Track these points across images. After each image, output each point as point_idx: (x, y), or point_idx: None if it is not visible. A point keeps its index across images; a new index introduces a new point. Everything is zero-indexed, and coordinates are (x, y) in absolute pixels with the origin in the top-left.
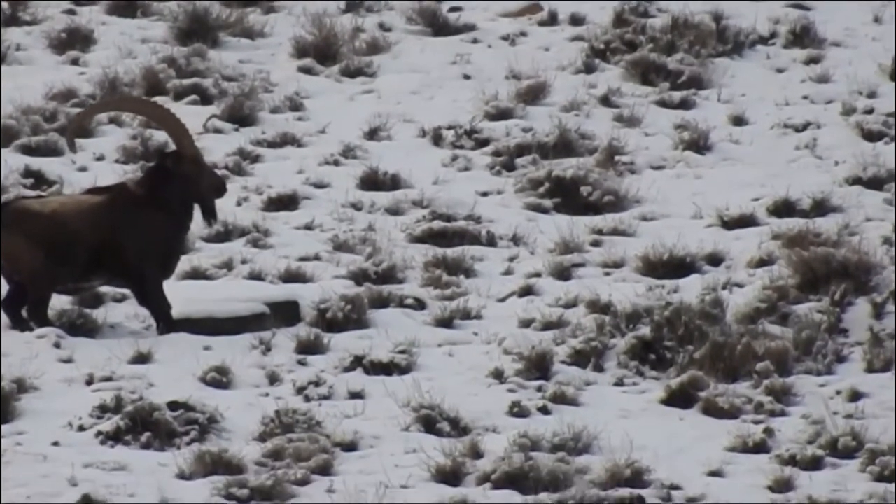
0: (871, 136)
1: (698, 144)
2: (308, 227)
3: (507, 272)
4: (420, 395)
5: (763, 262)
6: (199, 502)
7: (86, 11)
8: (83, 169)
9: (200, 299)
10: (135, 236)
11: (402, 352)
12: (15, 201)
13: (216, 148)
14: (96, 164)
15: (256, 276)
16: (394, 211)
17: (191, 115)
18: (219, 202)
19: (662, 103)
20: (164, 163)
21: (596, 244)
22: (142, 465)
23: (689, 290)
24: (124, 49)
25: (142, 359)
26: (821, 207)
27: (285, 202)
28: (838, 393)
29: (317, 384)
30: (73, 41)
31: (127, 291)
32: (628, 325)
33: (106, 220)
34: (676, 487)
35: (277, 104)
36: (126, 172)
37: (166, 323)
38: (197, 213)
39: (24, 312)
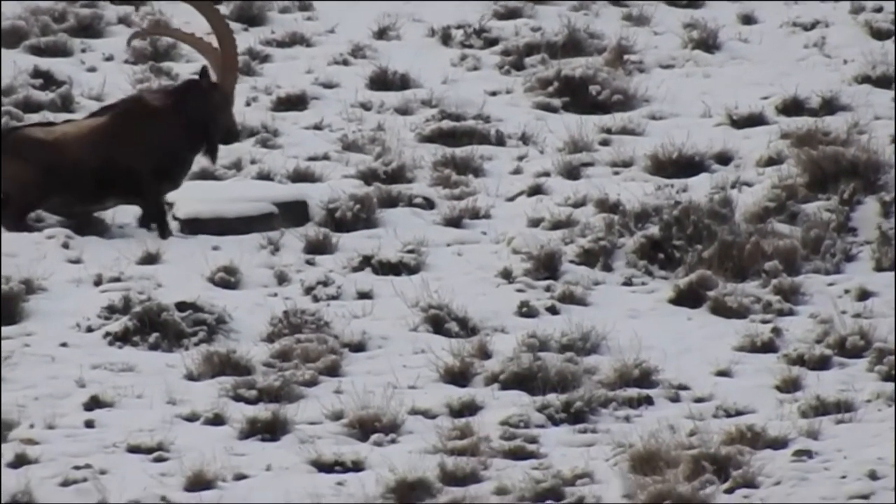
0: (879, 34)
1: (707, 43)
2: (317, 127)
3: (516, 171)
4: (428, 294)
5: (772, 161)
6: (206, 403)
7: None
8: (92, 69)
9: (209, 199)
10: (146, 145)
11: (411, 251)
12: (20, 128)
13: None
14: (106, 65)
15: (265, 176)
16: (403, 111)
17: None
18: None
19: (671, 2)
20: (199, 82)
21: (605, 143)
22: (150, 366)
23: (698, 189)
24: None
25: (150, 259)
26: (829, 106)
27: (294, 102)
28: (846, 292)
29: (325, 284)
30: None
31: None
32: (637, 225)
33: (108, 139)
34: (684, 387)
35: (286, 4)
36: (135, 73)
37: (166, 232)
38: None
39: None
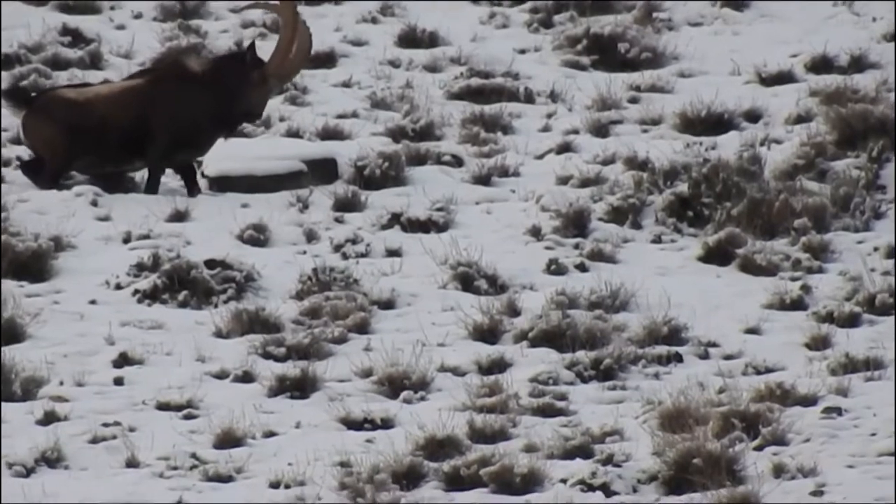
0: None
1: (736, 1)
2: (346, 85)
3: (545, 129)
4: (457, 252)
5: (801, 119)
6: (235, 360)
7: None
8: (121, 27)
9: (238, 157)
10: (174, 116)
11: (440, 209)
12: (53, 89)
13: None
14: (134, 23)
15: (294, 134)
16: (432, 68)
17: None
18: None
19: None
20: (243, 54)
21: (633, 101)
22: (179, 324)
23: (727, 146)
24: None
25: (179, 217)
26: (858, 64)
27: (323, 60)
28: (875, 249)
29: (354, 242)
30: None
31: None
32: (666, 182)
33: (140, 101)
34: (714, 344)
35: None
36: (164, 30)
37: (194, 190)
38: None
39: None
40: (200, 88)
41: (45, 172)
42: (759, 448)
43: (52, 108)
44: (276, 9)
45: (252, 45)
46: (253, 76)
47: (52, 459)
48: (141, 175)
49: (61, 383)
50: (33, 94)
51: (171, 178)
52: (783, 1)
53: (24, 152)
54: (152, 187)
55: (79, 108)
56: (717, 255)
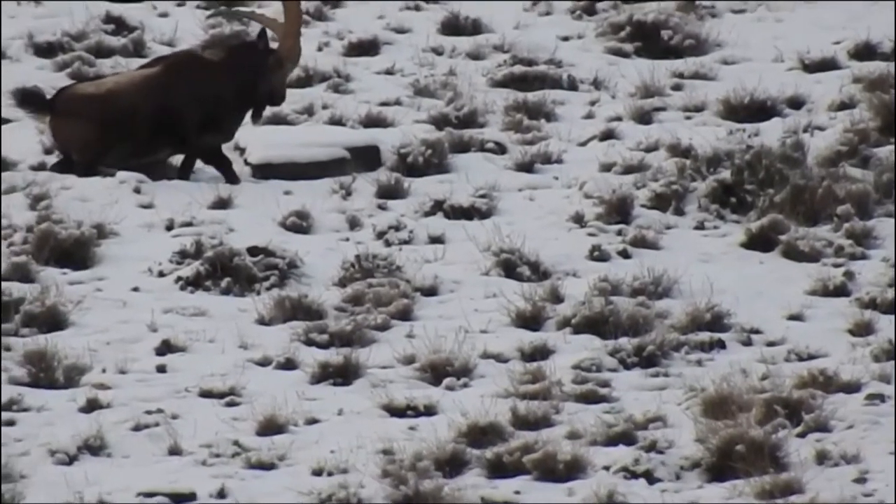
0: None
1: None
2: (389, 72)
3: (588, 116)
4: (500, 239)
5: (844, 106)
6: (278, 347)
7: None
8: (164, 14)
9: (281, 144)
10: (196, 99)
11: (483, 196)
12: (69, 87)
13: None
14: (177, 10)
15: (337, 121)
16: (475, 56)
17: None
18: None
19: None
20: (256, 43)
21: (677, 88)
22: (221, 311)
23: (770, 133)
24: None
25: (222, 204)
26: None
27: (366, 47)
28: None
29: (397, 229)
30: None
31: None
32: (709, 169)
33: (161, 88)
34: (756, 331)
35: None
36: (207, 17)
37: (232, 177)
38: None
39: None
40: (219, 72)
41: (77, 165)
42: (801, 435)
43: (78, 106)
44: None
45: (263, 32)
46: (268, 61)
47: (94, 447)
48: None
49: (104, 371)
50: (50, 98)
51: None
52: None
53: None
54: (185, 173)
55: (102, 101)
56: (759, 242)
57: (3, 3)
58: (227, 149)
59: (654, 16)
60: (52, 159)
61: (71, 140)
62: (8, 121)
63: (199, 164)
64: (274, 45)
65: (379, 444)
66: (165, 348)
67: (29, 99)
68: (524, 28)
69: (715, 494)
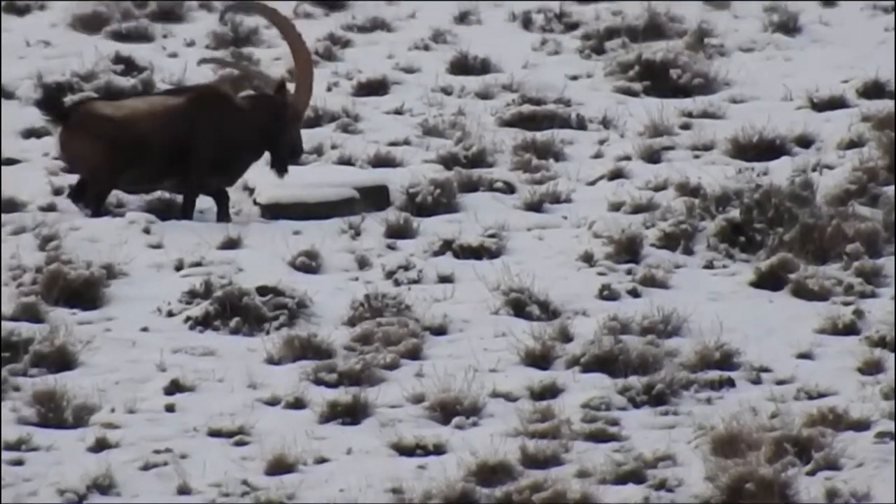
0: None
1: (788, 26)
2: (398, 112)
3: (597, 155)
4: (509, 278)
5: (853, 144)
6: (287, 387)
7: None
8: (173, 55)
9: (290, 184)
10: (216, 138)
11: (492, 235)
12: (88, 102)
13: (307, 33)
14: (187, 50)
15: (346, 161)
16: (483, 95)
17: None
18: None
19: None
20: (276, 94)
21: (685, 127)
22: (231, 350)
23: (779, 172)
24: None
25: (231, 244)
26: None
27: (375, 87)
28: None
29: (406, 268)
30: None
31: None
32: (718, 208)
33: (182, 120)
34: (766, 370)
35: None
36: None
37: (225, 216)
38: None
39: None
40: (243, 120)
41: (90, 195)
42: (811, 473)
43: (91, 124)
44: (292, 47)
45: (283, 85)
46: (287, 114)
47: (103, 486)
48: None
49: (113, 410)
50: (68, 107)
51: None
52: (835, 26)
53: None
54: (187, 211)
55: (117, 124)
56: (769, 281)
57: (12, 44)
58: (235, 189)
59: (663, 55)
60: (61, 200)
61: (79, 157)
62: (16, 161)
63: (209, 203)
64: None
65: (388, 484)
66: (174, 388)
67: (48, 103)
68: (533, 67)
69: None
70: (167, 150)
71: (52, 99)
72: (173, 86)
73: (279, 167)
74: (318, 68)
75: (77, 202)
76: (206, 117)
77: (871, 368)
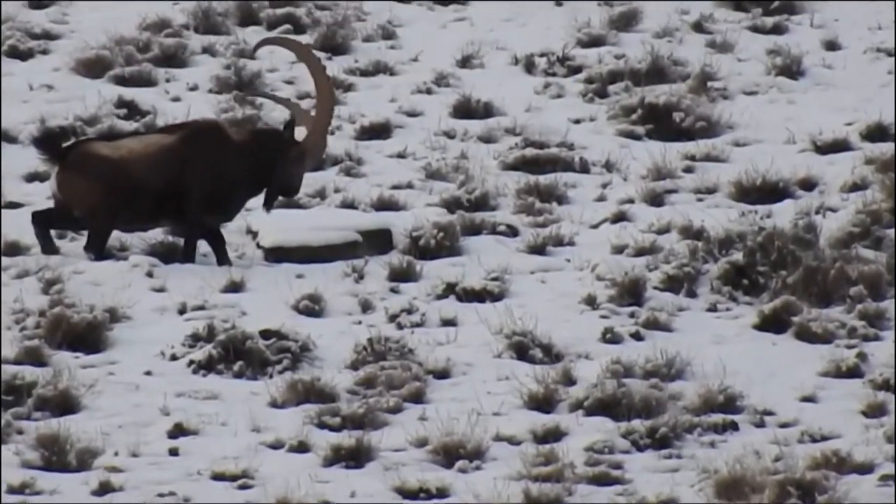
0: None
1: (791, 70)
2: (401, 156)
3: (600, 199)
4: (512, 321)
5: (856, 187)
6: (291, 430)
7: None
8: (176, 99)
9: (294, 228)
10: (209, 175)
11: (495, 279)
12: (85, 142)
13: (309, 77)
14: (190, 95)
15: (349, 205)
16: (486, 139)
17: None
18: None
19: (755, 29)
20: (283, 131)
21: (688, 170)
22: (234, 394)
23: (782, 215)
24: None
25: (234, 287)
26: None
27: (378, 130)
28: None
29: (409, 312)
30: None
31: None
32: (721, 251)
33: (176, 158)
34: (769, 412)
35: (370, 33)
36: (219, 102)
37: (223, 259)
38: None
39: (52, 233)
40: (238, 155)
41: (90, 238)
42: None
43: (87, 165)
44: (318, 87)
45: (292, 122)
46: (291, 152)
47: None
48: (197, 246)
49: (116, 454)
50: (64, 147)
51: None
52: (838, 70)
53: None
54: (189, 254)
55: (114, 166)
56: (772, 323)
57: (15, 88)
58: (238, 232)
59: (666, 98)
60: (65, 244)
61: (75, 197)
62: (19, 205)
63: (207, 246)
64: (300, 136)
65: None
66: (178, 431)
67: (45, 143)
68: (536, 111)
69: None
70: (163, 189)
71: (48, 139)
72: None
73: (267, 201)
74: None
75: (38, 228)
76: (200, 154)
77: (875, 411)
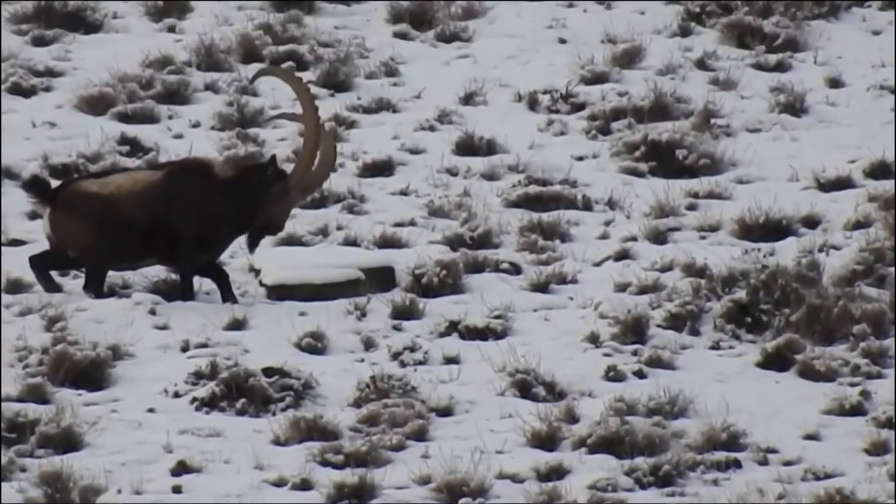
0: None
1: (794, 107)
2: (403, 193)
3: (603, 236)
4: (516, 359)
5: (859, 225)
6: (294, 468)
7: None
8: (179, 136)
9: (296, 265)
10: (194, 213)
11: (498, 317)
12: (73, 182)
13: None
14: (192, 132)
15: (352, 242)
16: (489, 176)
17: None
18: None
19: (758, 66)
20: (265, 167)
21: (692, 207)
22: (237, 432)
23: (786, 252)
24: (220, 16)
25: (237, 325)
26: None
27: (381, 168)
28: None
29: (412, 349)
30: (170, 8)
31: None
32: (724, 289)
33: (162, 194)
34: (773, 451)
35: (373, 70)
36: (221, 139)
37: (229, 295)
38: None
39: (53, 273)
40: (222, 192)
41: (88, 277)
42: None
43: (78, 203)
44: (301, 121)
45: (273, 158)
46: (275, 189)
47: None
48: (199, 283)
49: (119, 492)
50: (54, 188)
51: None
52: (841, 107)
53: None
54: (186, 292)
55: (102, 201)
56: (775, 361)
57: (18, 125)
58: (240, 270)
59: (669, 135)
60: (68, 281)
61: (67, 237)
62: (21, 242)
63: (211, 284)
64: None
65: None
66: (181, 469)
67: (34, 187)
68: (539, 148)
69: None
70: (151, 226)
71: (37, 181)
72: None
73: (250, 240)
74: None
75: (37, 270)
76: (184, 191)
77: (878, 450)
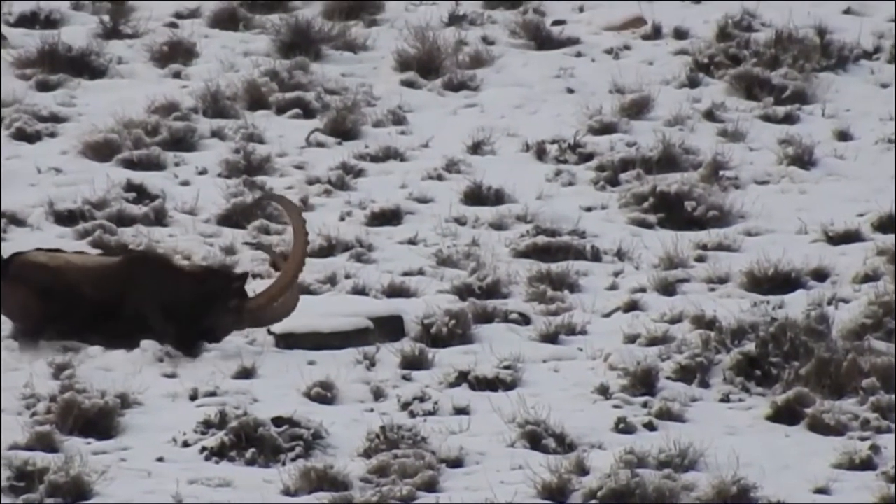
0: None
1: (803, 159)
2: (412, 242)
3: (612, 287)
4: (525, 410)
5: (868, 278)
6: None
7: (188, 24)
8: (185, 183)
9: (304, 314)
10: (151, 300)
11: (507, 367)
12: (26, 253)
13: (319, 162)
14: (199, 178)
15: (360, 291)
16: (498, 226)
17: (293, 129)
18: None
19: (767, 118)
20: (234, 279)
21: (700, 259)
22: (246, 482)
23: (795, 305)
24: (226, 62)
25: (246, 374)
26: None
27: (388, 217)
28: None
29: (422, 399)
30: (176, 54)
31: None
32: (733, 341)
33: (115, 279)
34: None
35: (380, 118)
36: (228, 186)
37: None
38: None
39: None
40: (182, 285)
41: (23, 336)
42: None
43: (24, 272)
44: (291, 255)
45: (245, 275)
46: (231, 303)
47: None
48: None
49: None
50: (4, 259)
51: (235, 336)
52: (850, 160)
53: None
54: (192, 353)
55: (48, 271)
56: (785, 415)
57: (23, 171)
58: None
59: (678, 187)
60: None
61: (13, 306)
62: None
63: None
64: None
65: None
66: None
67: None
68: (547, 198)
69: None
70: (97, 306)
71: None
72: (192, 217)
73: (186, 339)
74: (331, 197)
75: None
76: (139, 282)
77: None
